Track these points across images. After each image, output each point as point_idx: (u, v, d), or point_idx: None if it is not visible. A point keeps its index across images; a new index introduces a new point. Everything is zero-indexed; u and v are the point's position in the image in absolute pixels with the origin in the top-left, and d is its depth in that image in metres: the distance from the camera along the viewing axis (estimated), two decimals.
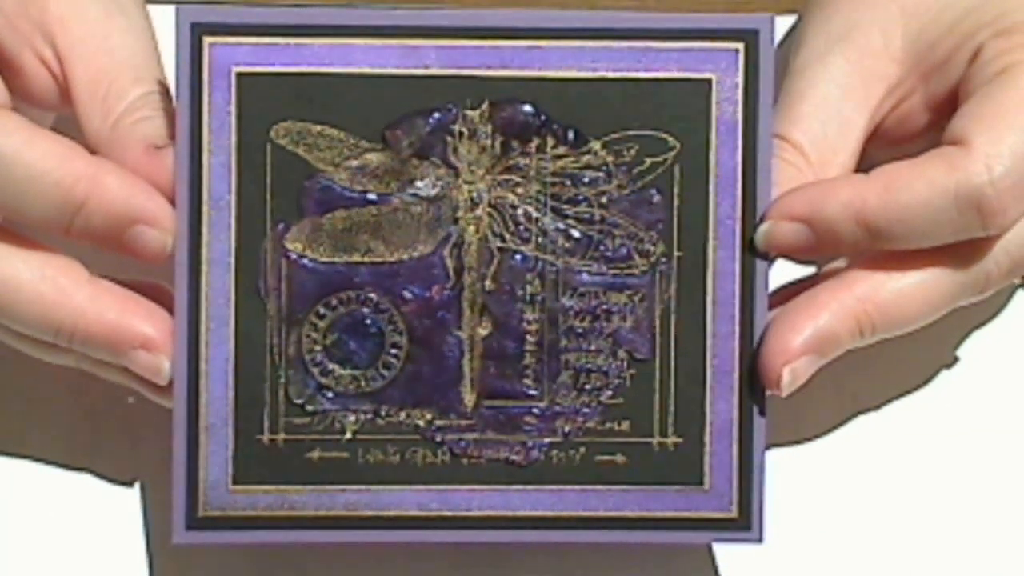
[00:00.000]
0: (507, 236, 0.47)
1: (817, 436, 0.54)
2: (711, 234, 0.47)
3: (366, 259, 0.47)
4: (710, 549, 0.53)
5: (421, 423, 0.47)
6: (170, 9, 0.47)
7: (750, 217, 0.47)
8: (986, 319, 0.55)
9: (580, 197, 0.47)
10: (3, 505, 0.53)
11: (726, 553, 0.53)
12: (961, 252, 0.47)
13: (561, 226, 0.47)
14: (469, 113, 0.47)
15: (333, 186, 0.47)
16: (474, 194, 0.47)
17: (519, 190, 0.47)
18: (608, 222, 0.47)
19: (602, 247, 0.47)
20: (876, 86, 0.49)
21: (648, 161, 0.47)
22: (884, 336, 0.47)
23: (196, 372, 0.47)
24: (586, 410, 0.47)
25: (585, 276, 0.47)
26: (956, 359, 0.55)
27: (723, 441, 0.47)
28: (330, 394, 0.47)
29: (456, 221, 0.47)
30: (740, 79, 0.47)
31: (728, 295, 0.47)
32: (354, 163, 0.47)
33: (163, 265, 0.47)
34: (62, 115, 0.50)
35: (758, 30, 0.47)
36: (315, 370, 0.47)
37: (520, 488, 0.47)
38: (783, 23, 0.54)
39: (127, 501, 0.53)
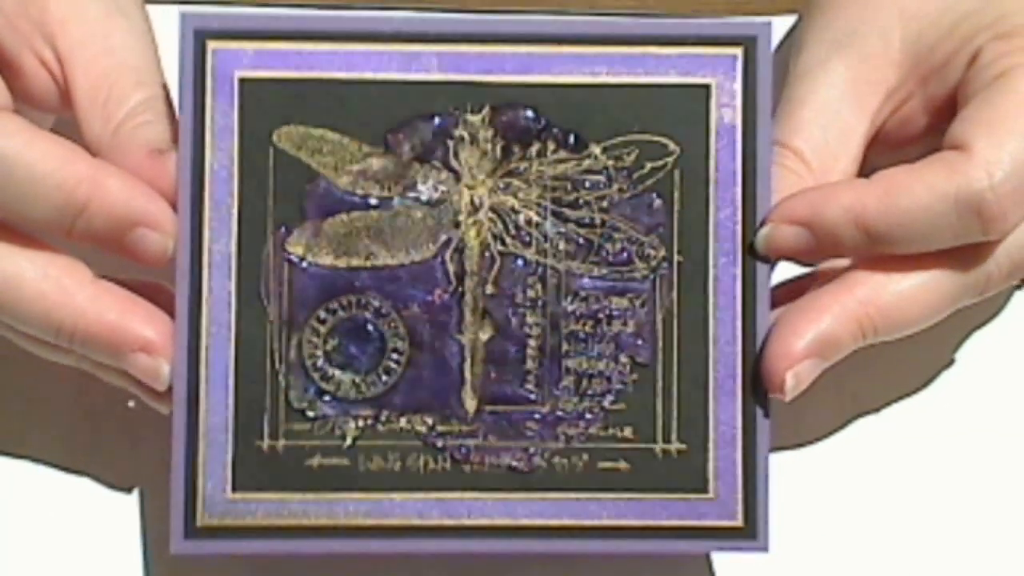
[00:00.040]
0: (508, 240, 0.47)
1: (817, 438, 0.54)
2: (712, 238, 0.47)
3: (367, 263, 0.47)
4: (708, 553, 0.53)
5: (422, 429, 0.47)
6: (170, 9, 0.47)
7: (750, 221, 0.47)
8: (986, 320, 0.55)
9: (581, 201, 0.47)
10: (3, 505, 0.53)
11: (726, 555, 0.52)
12: (962, 255, 0.47)
13: (562, 230, 0.47)
14: (470, 118, 0.47)
15: (334, 190, 0.47)
16: (475, 198, 0.47)
17: (520, 194, 0.47)
18: (609, 226, 0.47)
19: (603, 251, 0.47)
20: (876, 91, 0.49)
21: (648, 165, 0.47)
22: (885, 339, 0.47)
23: (196, 377, 0.46)
24: (588, 415, 0.47)
25: (586, 280, 0.47)
26: (955, 360, 0.55)
27: (727, 448, 0.47)
28: (331, 399, 0.47)
29: (457, 225, 0.47)
30: (739, 84, 0.47)
31: (729, 299, 0.47)
32: (356, 167, 0.47)
33: (164, 268, 0.47)
34: (62, 117, 0.50)
35: (756, 36, 0.47)
36: (316, 375, 0.47)
37: (523, 496, 0.47)
38: (782, 24, 0.54)
39: (126, 505, 0.53)
